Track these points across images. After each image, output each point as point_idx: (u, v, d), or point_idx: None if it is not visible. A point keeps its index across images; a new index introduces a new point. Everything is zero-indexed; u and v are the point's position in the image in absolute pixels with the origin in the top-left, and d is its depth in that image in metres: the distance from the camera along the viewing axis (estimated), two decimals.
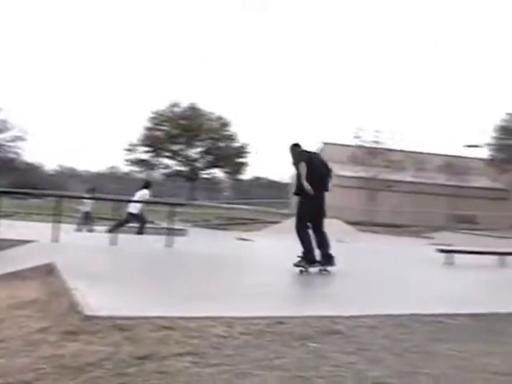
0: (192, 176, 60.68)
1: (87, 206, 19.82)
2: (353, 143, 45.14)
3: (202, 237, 17.39)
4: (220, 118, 61.02)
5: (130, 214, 17.26)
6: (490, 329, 5.25)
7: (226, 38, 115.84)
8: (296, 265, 8.86)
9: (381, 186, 43.02)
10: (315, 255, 9.10)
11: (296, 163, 9.36)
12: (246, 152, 61.13)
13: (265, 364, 3.56)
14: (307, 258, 8.98)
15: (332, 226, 24.89)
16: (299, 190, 9.22)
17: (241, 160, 61.27)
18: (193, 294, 6.21)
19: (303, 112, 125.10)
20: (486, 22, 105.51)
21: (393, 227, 34.33)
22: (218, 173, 64.30)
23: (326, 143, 49.15)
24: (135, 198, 17.45)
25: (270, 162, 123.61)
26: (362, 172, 43.17)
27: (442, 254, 12.47)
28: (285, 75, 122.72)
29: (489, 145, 47.85)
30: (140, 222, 17.34)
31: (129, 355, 3.77)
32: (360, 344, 4.26)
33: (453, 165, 46.44)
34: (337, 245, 18.43)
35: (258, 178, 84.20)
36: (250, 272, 9.16)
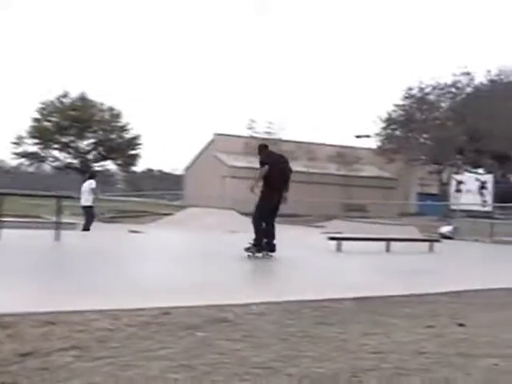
0: (84, 168, 59.02)
1: None
2: (246, 134, 45.56)
3: (93, 230, 16.97)
4: (111, 109, 59.72)
5: (85, 207, 17.41)
6: (373, 311, 5.47)
7: (112, 28, 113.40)
8: (246, 249, 10.22)
9: None
10: (264, 244, 10.42)
11: (262, 164, 10.50)
12: (138, 144, 60.22)
13: (149, 355, 3.55)
14: (257, 246, 10.30)
15: (226, 218, 25.15)
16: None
17: (133, 152, 60.28)
18: (79, 288, 6.08)
19: (196, 103, 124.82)
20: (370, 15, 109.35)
21: (287, 217, 34.94)
22: (110, 165, 63.02)
23: (218, 134, 49.35)
24: (83, 190, 17.60)
25: (162, 154, 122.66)
26: (255, 163, 43.62)
27: (333, 242, 12.89)
28: (178, 66, 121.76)
29: (377, 135, 49.70)
30: (90, 217, 17.39)
31: (11, 353, 3.64)
32: (247, 331, 4.32)
33: (344, 155, 47.98)
34: (232, 236, 18.69)
35: (150, 170, 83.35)
36: (140, 264, 9.06)
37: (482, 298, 6.71)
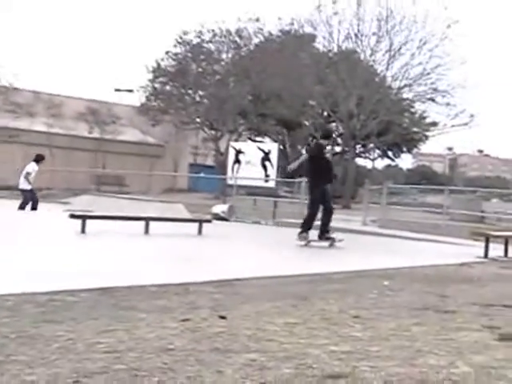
0: None
1: None
2: None
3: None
4: None
5: (22, 190, 21.31)
6: (117, 304, 5.50)
7: None
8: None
9: (2, 136, 42.11)
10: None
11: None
12: None
13: None
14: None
15: None
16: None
17: None
18: None
19: None
20: None
21: (16, 190, 33.88)
22: None
23: None
24: (24, 172, 21.20)
25: None
26: None
27: (75, 221, 12.76)
28: None
29: (142, 89, 49.70)
30: (32, 199, 21.05)
31: None
32: None
33: (97, 112, 47.39)
34: None
35: None
36: None
37: (250, 287, 7.05)
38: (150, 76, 49.23)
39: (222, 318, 5.10)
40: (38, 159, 21.66)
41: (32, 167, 21.30)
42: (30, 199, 21.13)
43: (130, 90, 52.21)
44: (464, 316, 5.85)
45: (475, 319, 5.70)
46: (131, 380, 3.30)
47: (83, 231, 12.46)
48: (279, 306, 5.85)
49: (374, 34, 44.95)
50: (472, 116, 45.23)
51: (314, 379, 3.48)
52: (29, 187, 21.22)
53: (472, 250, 13.65)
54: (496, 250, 13.06)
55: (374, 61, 46.55)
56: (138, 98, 50.33)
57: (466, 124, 45.49)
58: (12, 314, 4.89)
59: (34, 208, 20.98)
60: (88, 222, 12.72)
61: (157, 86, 49.39)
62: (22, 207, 20.98)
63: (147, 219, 13.62)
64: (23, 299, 5.46)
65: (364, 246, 15.26)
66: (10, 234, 12.83)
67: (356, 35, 45.05)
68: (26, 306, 5.22)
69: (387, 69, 46.32)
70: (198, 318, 5.04)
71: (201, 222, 15.02)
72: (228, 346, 4.10)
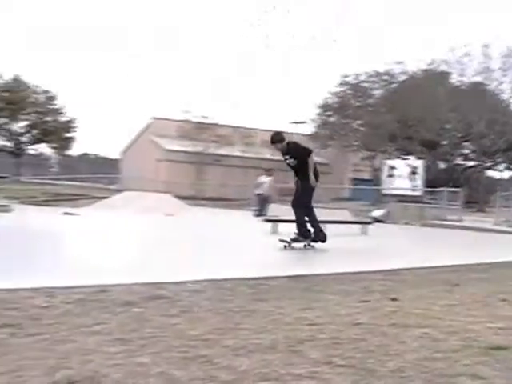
0: (17, 151, 57.39)
1: None
2: (182, 118, 45.17)
3: (27, 212, 16.54)
4: (46, 92, 58.05)
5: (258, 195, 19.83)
6: (309, 288, 5.53)
7: (45, 10, 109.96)
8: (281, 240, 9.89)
9: (209, 161, 43.56)
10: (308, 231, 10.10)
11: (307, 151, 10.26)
12: (73, 126, 58.88)
13: (85, 330, 3.47)
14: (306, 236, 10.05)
15: (162, 201, 24.90)
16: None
17: (68, 135, 58.93)
18: (12, 267, 5.89)
19: (132, 87, 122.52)
20: None
21: (221, 201, 34.93)
22: (44, 148, 61.60)
23: (155, 118, 48.79)
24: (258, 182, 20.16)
25: (98, 138, 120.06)
26: (190, 146, 43.43)
27: (268, 224, 12.97)
28: (114, 48, 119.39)
29: (313, 121, 50.12)
30: (260, 204, 19.78)
31: None
32: (184, 307, 4.29)
33: None
34: (168, 218, 18.56)
35: (86, 154, 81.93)
36: (76, 244, 8.88)
37: (413, 275, 6.89)
38: (318, 110, 49.69)
39: (394, 299, 5.00)
40: (270, 173, 21.66)
41: (262, 179, 21.35)
42: (258, 203, 20.62)
43: (304, 122, 52.64)
44: None
45: None
46: (333, 347, 3.31)
47: (275, 232, 12.63)
48: (436, 291, 5.67)
49: (499, 68, 42.87)
50: None
51: (480, 350, 3.34)
52: (258, 192, 20.94)
53: None
54: None
55: (500, 89, 44.32)
56: (309, 128, 50.90)
57: None
58: (232, 294, 5.02)
59: (260, 214, 19.42)
60: (279, 225, 12.86)
61: (324, 118, 49.68)
62: (259, 214, 19.52)
63: (323, 222, 13.58)
64: (237, 283, 5.57)
65: (496, 243, 14.48)
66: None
67: (485, 70, 43.12)
68: (241, 288, 5.34)
69: None
70: (374, 300, 4.97)
71: (364, 223, 14.88)
72: (403, 322, 4.01)
